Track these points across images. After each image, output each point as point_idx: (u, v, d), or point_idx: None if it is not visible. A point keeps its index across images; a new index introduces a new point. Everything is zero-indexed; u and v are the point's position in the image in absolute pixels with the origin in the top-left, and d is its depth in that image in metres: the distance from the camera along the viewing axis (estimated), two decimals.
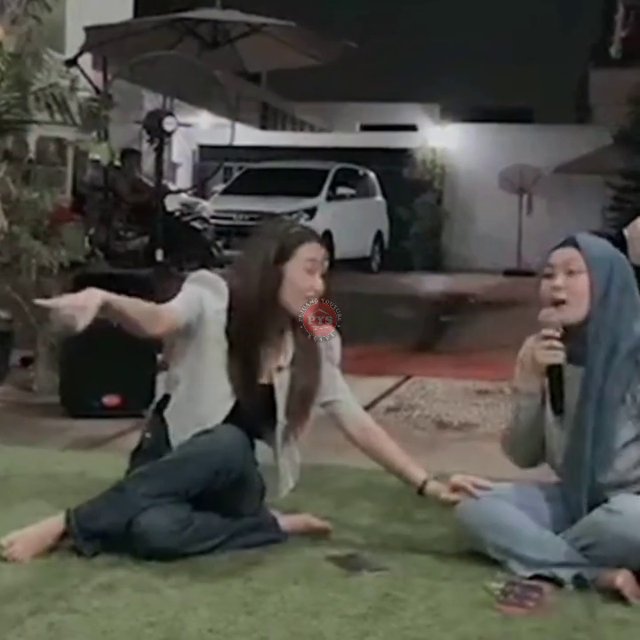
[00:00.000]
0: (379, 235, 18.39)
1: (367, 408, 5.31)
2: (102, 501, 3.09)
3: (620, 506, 2.91)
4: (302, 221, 15.27)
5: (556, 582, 2.94)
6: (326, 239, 15.60)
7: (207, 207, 14.65)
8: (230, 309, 3.22)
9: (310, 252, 3.27)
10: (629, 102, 17.78)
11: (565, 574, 2.95)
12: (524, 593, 2.85)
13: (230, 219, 14.70)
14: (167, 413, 3.27)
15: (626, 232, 12.90)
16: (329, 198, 16.25)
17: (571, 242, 3.09)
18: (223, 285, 3.25)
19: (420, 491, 3.30)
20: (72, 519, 3.04)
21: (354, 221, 16.62)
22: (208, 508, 3.12)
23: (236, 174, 17.36)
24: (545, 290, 3.09)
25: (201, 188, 16.84)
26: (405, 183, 20.04)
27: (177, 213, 11.60)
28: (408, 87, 20.77)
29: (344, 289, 10.95)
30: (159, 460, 3.16)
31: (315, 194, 15.96)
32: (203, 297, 3.21)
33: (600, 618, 2.72)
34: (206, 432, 3.13)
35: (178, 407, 3.26)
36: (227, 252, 13.32)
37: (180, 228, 10.52)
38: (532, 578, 2.96)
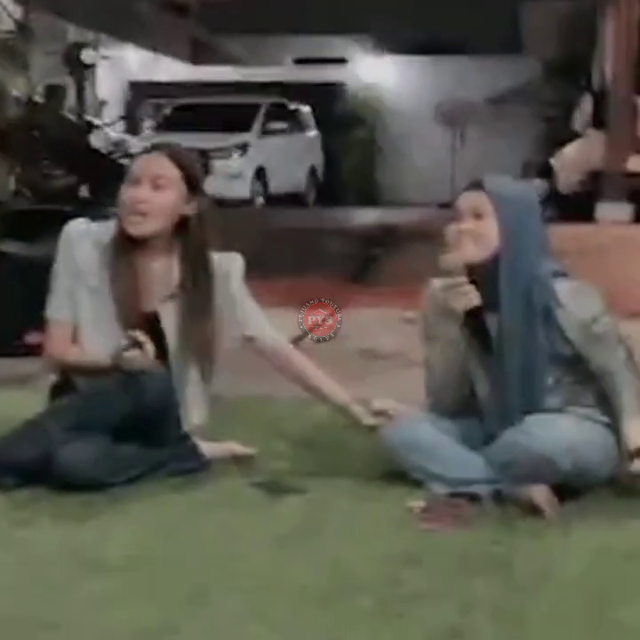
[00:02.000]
0: (313, 170, 18.29)
1: (299, 340, 5.34)
2: (21, 435, 3.07)
3: (532, 424, 2.96)
4: (235, 157, 15.19)
5: (475, 499, 2.98)
6: (261, 175, 15.63)
7: (136, 144, 14.44)
8: None
9: (137, 165, 3.25)
10: (560, 33, 17.82)
11: (484, 491, 3.00)
12: (444, 510, 2.89)
13: None
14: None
15: (553, 161, 12.96)
16: (261, 133, 16.11)
17: (478, 185, 3.09)
18: (98, 226, 3.26)
19: (345, 414, 3.31)
20: None
21: (287, 156, 16.51)
22: (128, 439, 3.11)
23: (166, 110, 17.12)
24: (452, 232, 3.08)
25: (129, 124, 16.59)
26: (339, 118, 19.91)
27: (103, 150, 11.41)
28: (340, 18, 20.51)
29: (277, 224, 10.99)
30: (77, 393, 3.14)
31: (246, 129, 15.81)
32: (67, 273, 3.22)
33: (517, 531, 2.77)
34: None
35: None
36: None
37: (107, 164, 10.36)
38: (451, 495, 3.01)
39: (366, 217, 12.58)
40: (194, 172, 3.26)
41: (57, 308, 3.26)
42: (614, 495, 3.02)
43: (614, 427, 3.05)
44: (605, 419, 3.05)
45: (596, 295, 3.06)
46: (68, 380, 3.26)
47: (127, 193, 3.19)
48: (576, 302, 3.01)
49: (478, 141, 20.06)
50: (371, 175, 20.63)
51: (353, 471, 3.27)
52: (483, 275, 3.04)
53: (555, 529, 2.77)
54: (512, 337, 3.03)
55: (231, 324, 3.33)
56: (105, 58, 9.33)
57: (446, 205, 18.36)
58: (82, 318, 3.23)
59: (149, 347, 3.04)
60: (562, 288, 3.02)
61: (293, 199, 16.75)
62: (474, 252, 3.04)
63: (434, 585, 2.41)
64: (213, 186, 14.90)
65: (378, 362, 5.39)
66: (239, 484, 3.14)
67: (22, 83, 7.33)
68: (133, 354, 3.04)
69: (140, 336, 3.03)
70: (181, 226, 3.23)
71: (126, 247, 3.20)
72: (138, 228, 3.18)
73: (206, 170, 14.83)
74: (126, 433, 3.09)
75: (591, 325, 3.00)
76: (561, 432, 2.93)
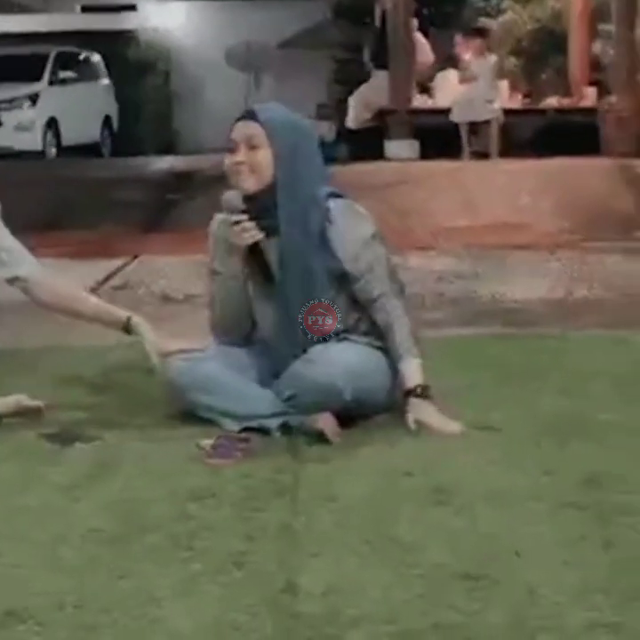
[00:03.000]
0: (107, 119, 17.97)
1: (93, 290, 5.30)
2: None
3: (314, 355, 3.06)
4: (25, 108, 14.77)
5: (264, 432, 3.07)
6: (52, 125, 15.24)
7: None
8: None
9: None
10: None
11: (272, 423, 3.08)
12: (232, 445, 2.95)
13: None
14: None
15: (350, 100, 13.12)
16: (51, 83, 15.72)
17: (251, 115, 3.12)
18: None
19: (127, 329, 3.29)
20: None
21: (80, 106, 16.18)
22: None
23: None
24: (228, 165, 3.12)
25: None
26: (131, 65, 19.55)
27: None
28: None
29: (71, 175, 10.77)
30: None
31: (36, 79, 15.39)
32: None
33: (303, 458, 2.86)
34: None
35: None
36: None
37: None
38: (240, 431, 3.07)
39: (163, 164, 12.47)
40: None
41: None
42: (394, 420, 3.14)
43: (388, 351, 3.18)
44: (381, 343, 3.16)
45: (368, 218, 3.16)
46: None
47: None
48: (347, 221, 3.11)
49: (273, 85, 20.09)
50: (167, 123, 20.40)
51: (147, 414, 3.30)
52: (262, 203, 3.09)
53: (339, 454, 2.88)
54: (291, 260, 3.11)
55: None
56: None
57: None
58: None
59: None
60: (335, 206, 3.11)
61: (88, 150, 16.42)
62: (251, 182, 3.09)
63: (221, 517, 2.47)
64: (3, 137, 14.53)
65: (172, 306, 5.42)
66: (28, 436, 3.11)
67: None
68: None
69: None
70: None
71: None
72: None
73: None
74: None
75: (360, 249, 3.10)
76: (341, 361, 3.03)
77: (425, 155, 10.15)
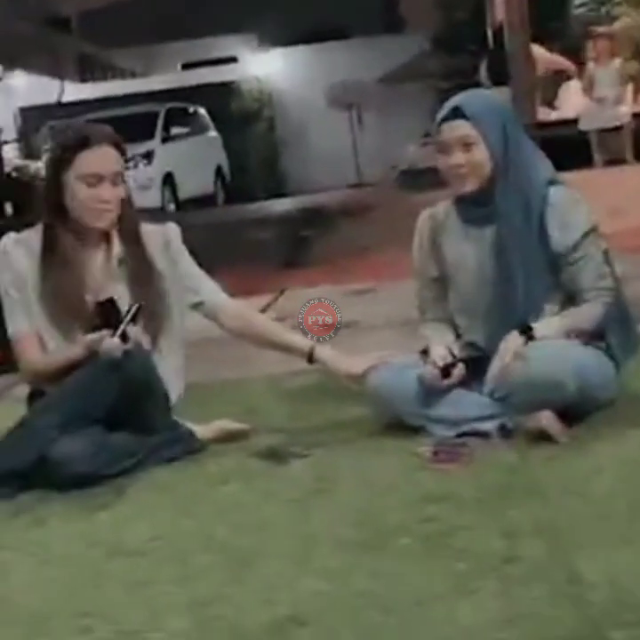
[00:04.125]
0: (219, 169, 18.21)
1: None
2: (11, 441, 2.98)
3: (533, 350, 2.93)
4: (141, 166, 15.02)
5: (482, 435, 2.96)
6: (168, 181, 15.48)
7: (39, 166, 14.20)
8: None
9: (89, 163, 3.10)
10: (438, 6, 18.07)
11: (489, 426, 2.97)
12: (454, 449, 2.87)
13: None
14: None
15: None
16: (164, 140, 15.98)
17: (458, 113, 3.03)
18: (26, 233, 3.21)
19: (310, 358, 3.22)
20: None
21: (192, 160, 16.41)
22: (119, 428, 3.04)
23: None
24: (444, 168, 3.06)
25: (27, 149, 16.29)
26: (235, 115, 19.85)
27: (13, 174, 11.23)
28: (223, 18, 20.45)
29: (196, 222, 10.88)
30: (58, 388, 3.05)
31: (149, 137, 15.65)
32: (12, 286, 3.17)
33: (532, 459, 2.75)
34: None
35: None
36: None
37: (21, 186, 10.19)
38: (457, 437, 2.98)
39: (281, 205, 12.58)
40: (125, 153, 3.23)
41: (18, 322, 3.19)
42: (617, 415, 3.02)
43: (609, 353, 3.06)
44: (602, 344, 3.06)
45: (588, 208, 3.07)
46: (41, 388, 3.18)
47: (89, 193, 3.11)
48: (567, 208, 3.03)
49: (375, 121, 20.17)
50: (276, 167, 20.61)
51: (351, 429, 3.22)
52: (480, 198, 3.05)
53: (571, 451, 2.76)
54: (512, 247, 3.03)
55: (180, 291, 3.26)
56: None
57: (355, 186, 18.55)
58: (38, 326, 3.16)
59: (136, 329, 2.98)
60: (555, 191, 3.04)
61: (203, 202, 16.63)
62: (472, 183, 3.05)
63: (467, 518, 2.38)
64: None
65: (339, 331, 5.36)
66: (240, 458, 3.08)
67: None
68: (112, 342, 2.96)
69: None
70: None
71: (58, 244, 3.16)
72: (104, 222, 3.15)
73: None
74: (116, 422, 3.01)
75: (579, 237, 3.01)
76: (565, 355, 2.92)
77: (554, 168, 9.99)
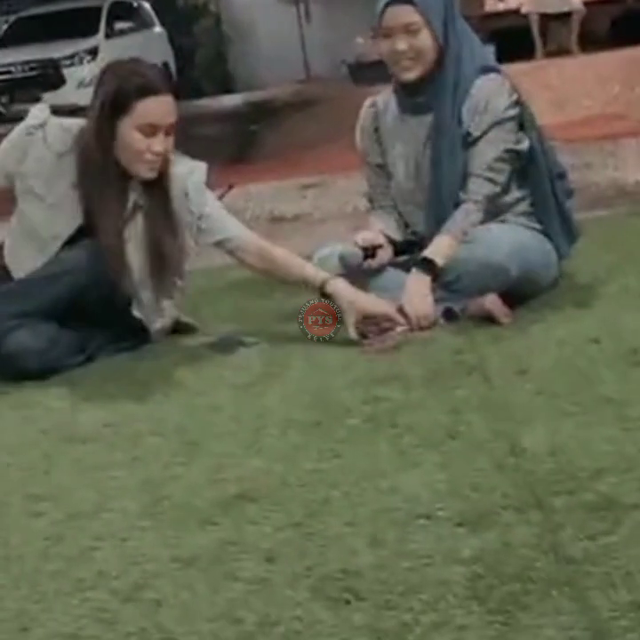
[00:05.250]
0: (165, 66, 17.85)
1: None
2: None
3: (476, 235, 2.99)
4: (85, 63, 14.71)
5: None
6: None
7: None
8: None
9: (148, 112, 2.98)
10: None
11: (435, 311, 3.01)
12: (382, 336, 2.90)
13: (9, 72, 14.04)
14: (6, 258, 3.15)
15: None
16: (108, 35, 15.61)
17: None
18: (68, 127, 3.11)
19: (323, 293, 3.04)
20: None
21: (138, 55, 16.01)
22: (74, 321, 3.04)
23: (5, 25, 16.44)
24: (388, 53, 3.03)
25: None
26: (181, 11, 19.45)
27: None
28: None
29: None
30: (23, 279, 3.04)
31: (92, 33, 15.30)
32: (28, 146, 3.09)
33: (478, 339, 2.81)
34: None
35: (15, 246, 3.14)
36: (15, 107, 12.82)
37: None
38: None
39: (229, 101, 12.42)
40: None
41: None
42: (560, 298, 3.08)
43: (546, 232, 3.12)
44: (539, 225, 3.10)
45: (510, 95, 3.05)
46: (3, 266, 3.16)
47: (144, 143, 2.98)
48: (485, 92, 3.04)
49: (323, 14, 19.83)
50: (223, 63, 20.27)
51: (294, 316, 3.22)
52: (419, 83, 3.05)
53: (514, 332, 2.83)
54: (440, 136, 3.05)
55: (197, 235, 3.16)
56: None
57: (303, 80, 18.20)
58: (24, 225, 3.11)
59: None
60: (482, 81, 3.05)
61: None
62: (415, 71, 3.04)
63: (414, 397, 2.43)
64: (68, 95, 14.51)
65: (285, 225, 5.37)
66: (191, 348, 3.12)
67: None
68: None
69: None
70: None
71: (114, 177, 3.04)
72: (151, 173, 3.04)
73: (59, 79, 14.45)
74: (73, 315, 3.02)
75: (488, 118, 3.01)
76: (506, 239, 2.96)
77: (498, 59, 9.91)
